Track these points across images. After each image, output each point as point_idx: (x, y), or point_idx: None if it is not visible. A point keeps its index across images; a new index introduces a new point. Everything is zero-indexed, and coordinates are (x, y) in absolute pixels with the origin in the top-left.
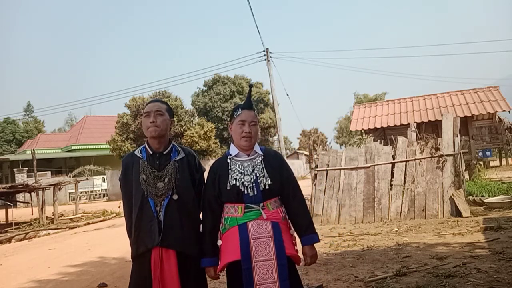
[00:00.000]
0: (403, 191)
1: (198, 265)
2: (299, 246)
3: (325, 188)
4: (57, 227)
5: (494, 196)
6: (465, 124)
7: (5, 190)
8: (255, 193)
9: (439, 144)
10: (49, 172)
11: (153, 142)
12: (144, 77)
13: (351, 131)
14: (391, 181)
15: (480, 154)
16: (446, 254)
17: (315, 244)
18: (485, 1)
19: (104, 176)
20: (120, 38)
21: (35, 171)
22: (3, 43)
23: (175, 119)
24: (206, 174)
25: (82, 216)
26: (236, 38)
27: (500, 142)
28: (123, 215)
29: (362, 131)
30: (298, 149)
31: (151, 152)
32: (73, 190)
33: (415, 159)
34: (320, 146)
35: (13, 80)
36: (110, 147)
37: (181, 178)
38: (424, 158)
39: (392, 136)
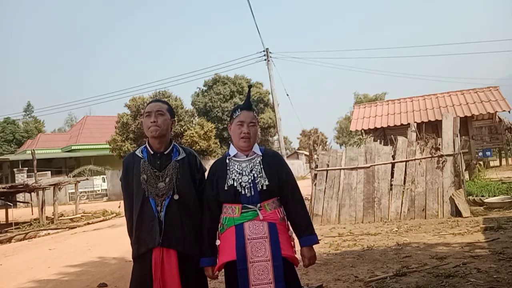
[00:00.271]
0: (403, 191)
1: (198, 265)
2: (299, 247)
3: (325, 188)
4: (57, 227)
5: (494, 196)
6: (465, 124)
7: (5, 190)
8: (252, 193)
9: (439, 144)
10: (49, 172)
11: (154, 142)
12: (144, 77)
13: (351, 131)
14: (391, 181)
15: (480, 154)
16: (446, 254)
17: (315, 245)
18: (485, 1)
19: (104, 176)
20: (120, 38)
21: (35, 171)
22: (3, 43)
23: (175, 119)
24: (206, 174)
25: (82, 216)
26: (236, 38)
27: (500, 142)
28: (123, 215)
29: (362, 131)
30: (298, 149)
31: (152, 152)
32: (73, 190)
33: (415, 159)
34: (320, 146)
35: (13, 80)
36: (110, 147)
37: (182, 178)
38: (424, 158)
39: (392, 136)
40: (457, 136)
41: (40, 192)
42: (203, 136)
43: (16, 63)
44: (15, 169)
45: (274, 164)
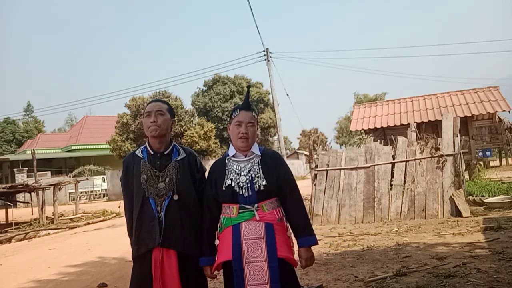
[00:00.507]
0: (403, 191)
1: (198, 265)
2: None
3: (325, 188)
4: (57, 227)
5: (494, 196)
6: (465, 124)
7: (5, 190)
8: (250, 193)
9: (439, 144)
10: (49, 172)
11: (154, 142)
12: (144, 77)
13: (351, 131)
14: (391, 181)
15: (480, 154)
16: (446, 254)
17: (315, 246)
18: (485, 1)
19: (104, 176)
20: (120, 38)
21: (35, 171)
22: (3, 43)
23: (175, 119)
24: (206, 174)
25: (82, 216)
26: (236, 38)
27: (500, 142)
28: (123, 215)
29: (362, 131)
30: (298, 149)
31: (152, 152)
32: (73, 190)
33: (415, 159)
34: (320, 146)
35: (13, 80)
36: (110, 147)
37: (182, 178)
38: (424, 158)
39: (392, 136)
40: (457, 136)
41: (40, 192)
42: (203, 136)
43: (16, 63)
44: (15, 169)
45: (273, 164)
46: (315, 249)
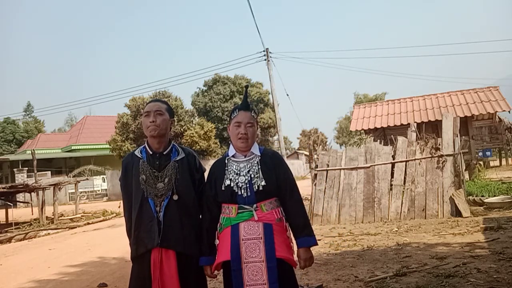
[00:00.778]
0: (403, 191)
1: (197, 266)
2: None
3: (325, 188)
4: (57, 227)
5: (494, 196)
6: (465, 124)
7: (5, 190)
8: (249, 194)
9: (439, 144)
10: (49, 172)
11: (153, 142)
12: (144, 77)
13: (351, 131)
14: (391, 181)
15: (480, 154)
16: (446, 254)
17: (315, 246)
18: (485, 1)
19: (104, 176)
20: (120, 38)
21: (35, 171)
22: (3, 43)
23: (175, 119)
24: (205, 174)
25: (82, 216)
26: (236, 38)
27: (500, 142)
28: (123, 215)
29: (362, 131)
30: (298, 149)
31: (151, 152)
32: (73, 190)
33: (415, 159)
34: (320, 146)
35: (13, 80)
36: (110, 147)
37: (181, 179)
38: (424, 158)
39: (392, 136)
40: (457, 136)
41: (40, 192)
42: (203, 136)
43: (16, 63)
44: (15, 169)
45: (273, 164)
46: (315, 249)
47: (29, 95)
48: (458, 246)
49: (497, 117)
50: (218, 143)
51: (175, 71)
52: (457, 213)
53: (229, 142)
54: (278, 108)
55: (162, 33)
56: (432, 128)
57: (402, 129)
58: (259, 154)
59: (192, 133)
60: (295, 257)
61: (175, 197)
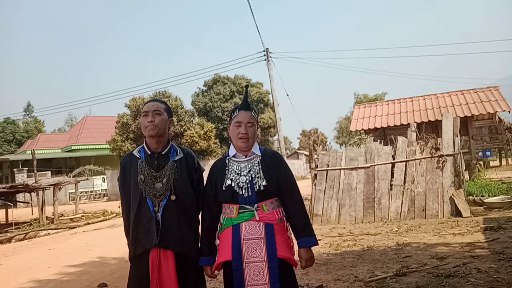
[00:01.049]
0: (403, 191)
1: (196, 266)
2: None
3: (325, 188)
4: (57, 227)
5: (494, 196)
6: (465, 124)
7: (5, 190)
8: (249, 194)
9: (439, 144)
10: (49, 172)
11: (151, 141)
12: (144, 77)
13: (351, 131)
14: (391, 181)
15: (480, 154)
16: (446, 254)
17: (315, 246)
18: (485, 1)
19: (104, 176)
20: (120, 38)
21: (35, 171)
22: (3, 43)
23: (175, 119)
24: (205, 174)
25: (82, 216)
26: (236, 38)
27: (500, 142)
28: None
29: (362, 131)
30: (298, 149)
31: (149, 152)
32: (73, 190)
33: (415, 159)
34: (320, 146)
35: (13, 80)
36: (110, 147)
37: (180, 179)
38: (424, 158)
39: (392, 136)
40: (457, 136)
41: (40, 192)
42: (203, 136)
43: (16, 63)
44: (15, 169)
45: (273, 164)
46: (315, 249)
47: (29, 95)
48: (458, 246)
49: (497, 117)
50: (218, 143)
51: (175, 71)
52: (457, 213)
53: (229, 142)
54: (278, 108)
55: (162, 33)
56: (432, 128)
57: (402, 129)
58: (260, 154)
59: (192, 133)
60: (296, 257)
61: (173, 197)
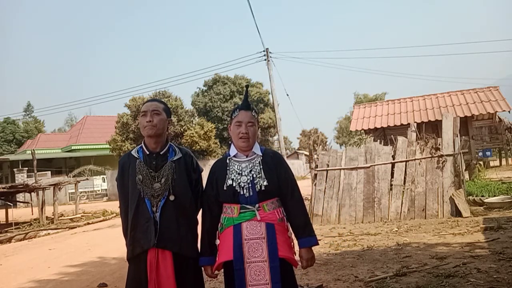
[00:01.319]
0: (403, 191)
1: (194, 266)
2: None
3: (325, 188)
4: (57, 227)
5: (494, 196)
6: (465, 124)
7: (5, 190)
8: (251, 194)
9: (439, 144)
10: (49, 172)
11: (150, 141)
12: (144, 77)
13: (351, 131)
14: (391, 181)
15: (480, 154)
16: (446, 254)
17: (315, 246)
18: (485, 1)
19: (104, 176)
20: (120, 38)
21: (35, 171)
22: (3, 43)
23: (175, 119)
24: (204, 175)
25: (82, 216)
26: (236, 38)
27: (500, 142)
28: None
29: (362, 131)
30: (298, 149)
31: (147, 152)
32: (73, 190)
33: (415, 159)
34: (320, 146)
35: (13, 80)
36: (110, 147)
37: (178, 179)
38: (424, 158)
39: (392, 136)
40: (457, 136)
41: (40, 192)
42: (203, 136)
43: (16, 63)
44: (15, 169)
45: (274, 164)
46: (315, 249)
47: (29, 95)
48: (458, 246)
49: (497, 117)
50: (218, 143)
51: (175, 71)
52: (457, 213)
53: (229, 142)
54: (278, 108)
55: (162, 33)
56: (432, 128)
57: (402, 129)
58: (261, 154)
59: (192, 133)
60: (296, 257)
61: (172, 198)
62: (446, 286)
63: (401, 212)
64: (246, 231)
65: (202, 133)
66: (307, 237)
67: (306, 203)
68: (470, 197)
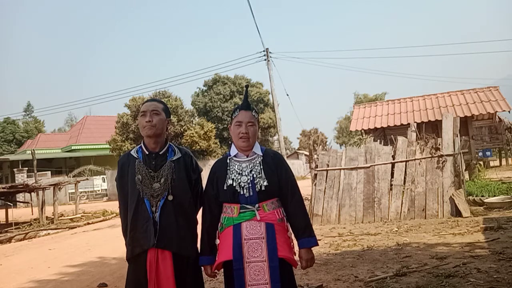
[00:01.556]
0: (403, 191)
1: (194, 266)
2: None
3: (325, 188)
4: (57, 227)
5: (494, 196)
6: (465, 124)
7: (5, 190)
8: (251, 194)
9: (439, 144)
10: (49, 172)
11: (149, 141)
12: (144, 77)
13: (351, 131)
14: (391, 181)
15: (480, 154)
16: (446, 254)
17: (315, 246)
18: (485, 1)
19: (104, 176)
20: (120, 38)
21: (35, 171)
22: (3, 43)
23: (175, 119)
24: (204, 175)
25: (82, 216)
26: (236, 38)
27: (500, 142)
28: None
29: (362, 131)
30: (298, 149)
31: (147, 152)
32: (73, 190)
33: (415, 159)
34: (320, 146)
35: (13, 80)
36: (110, 147)
37: (177, 179)
38: (424, 158)
39: (392, 136)
40: (457, 136)
41: (40, 192)
42: (203, 136)
43: (16, 63)
44: (15, 169)
45: (274, 165)
46: (315, 249)
47: (29, 95)
48: (458, 246)
49: (497, 117)
50: (218, 143)
51: (175, 71)
52: (457, 213)
53: (230, 142)
54: (278, 108)
55: (163, 33)
56: (432, 128)
57: (402, 129)
58: (261, 154)
59: (192, 133)
60: (296, 257)
61: (171, 198)
62: (446, 286)
63: (401, 212)
64: (246, 231)
65: (202, 133)
66: (307, 238)
67: (306, 203)
68: (470, 197)
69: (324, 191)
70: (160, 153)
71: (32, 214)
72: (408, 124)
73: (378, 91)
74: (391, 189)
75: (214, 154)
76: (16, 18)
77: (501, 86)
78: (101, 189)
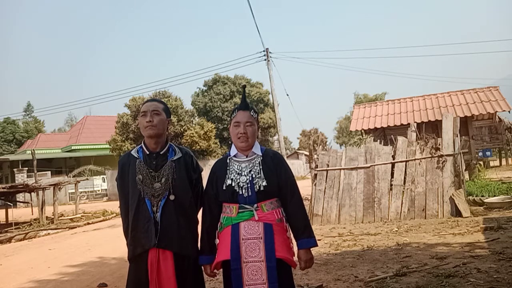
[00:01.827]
0: (403, 191)
1: (195, 266)
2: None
3: (325, 188)
4: (57, 227)
5: (494, 196)
6: (465, 124)
7: (5, 190)
8: (249, 194)
9: (439, 144)
10: (49, 172)
11: (150, 141)
12: (144, 77)
13: (351, 131)
14: (391, 181)
15: (480, 154)
16: (446, 254)
17: (315, 247)
18: (485, 1)
19: (104, 176)
20: (120, 38)
21: (35, 171)
22: (3, 43)
23: (175, 119)
24: (204, 174)
25: (82, 216)
26: (236, 38)
27: (500, 142)
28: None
29: (362, 131)
30: (298, 149)
31: (147, 152)
32: (73, 190)
33: (415, 159)
34: (320, 146)
35: (13, 80)
36: (110, 147)
37: (178, 179)
38: (424, 158)
39: (392, 136)
40: (457, 136)
41: (40, 192)
42: (203, 136)
43: (16, 63)
44: (15, 169)
45: (274, 165)
46: (315, 249)
47: (29, 95)
48: (458, 246)
49: (497, 117)
50: (218, 143)
51: (175, 71)
52: (457, 213)
53: (230, 142)
54: (278, 108)
55: (163, 33)
56: (432, 128)
57: (402, 129)
58: (261, 154)
59: (192, 133)
60: (295, 258)
61: (172, 197)
62: (446, 286)
63: (401, 212)
64: (244, 231)
65: (202, 133)
66: (306, 238)
67: (306, 203)
68: (470, 197)
69: (324, 191)
70: (161, 153)
71: (32, 214)
72: (408, 124)
73: (378, 91)
74: (391, 189)
75: (214, 154)
76: (16, 18)
77: (501, 86)
78: (101, 189)
